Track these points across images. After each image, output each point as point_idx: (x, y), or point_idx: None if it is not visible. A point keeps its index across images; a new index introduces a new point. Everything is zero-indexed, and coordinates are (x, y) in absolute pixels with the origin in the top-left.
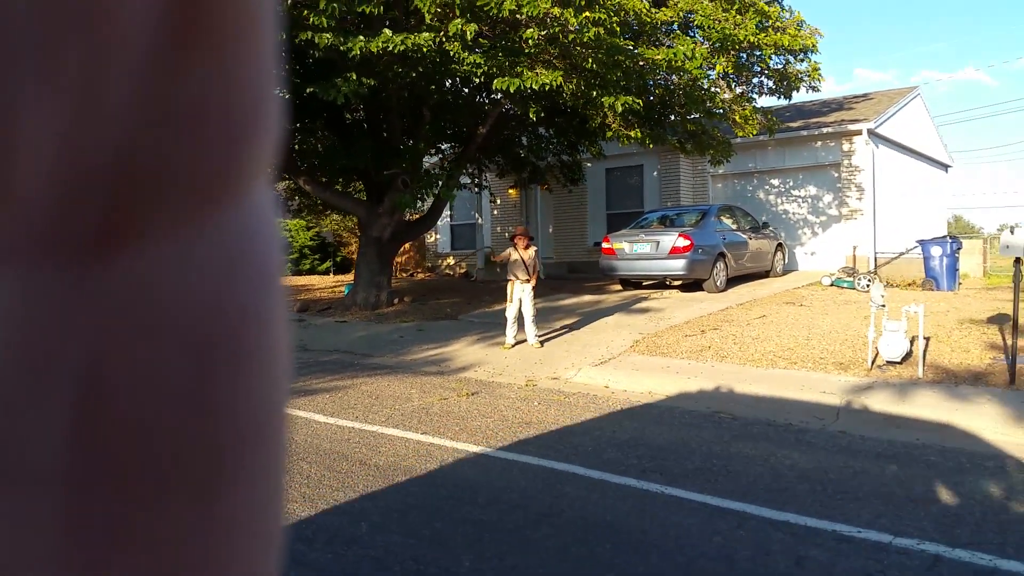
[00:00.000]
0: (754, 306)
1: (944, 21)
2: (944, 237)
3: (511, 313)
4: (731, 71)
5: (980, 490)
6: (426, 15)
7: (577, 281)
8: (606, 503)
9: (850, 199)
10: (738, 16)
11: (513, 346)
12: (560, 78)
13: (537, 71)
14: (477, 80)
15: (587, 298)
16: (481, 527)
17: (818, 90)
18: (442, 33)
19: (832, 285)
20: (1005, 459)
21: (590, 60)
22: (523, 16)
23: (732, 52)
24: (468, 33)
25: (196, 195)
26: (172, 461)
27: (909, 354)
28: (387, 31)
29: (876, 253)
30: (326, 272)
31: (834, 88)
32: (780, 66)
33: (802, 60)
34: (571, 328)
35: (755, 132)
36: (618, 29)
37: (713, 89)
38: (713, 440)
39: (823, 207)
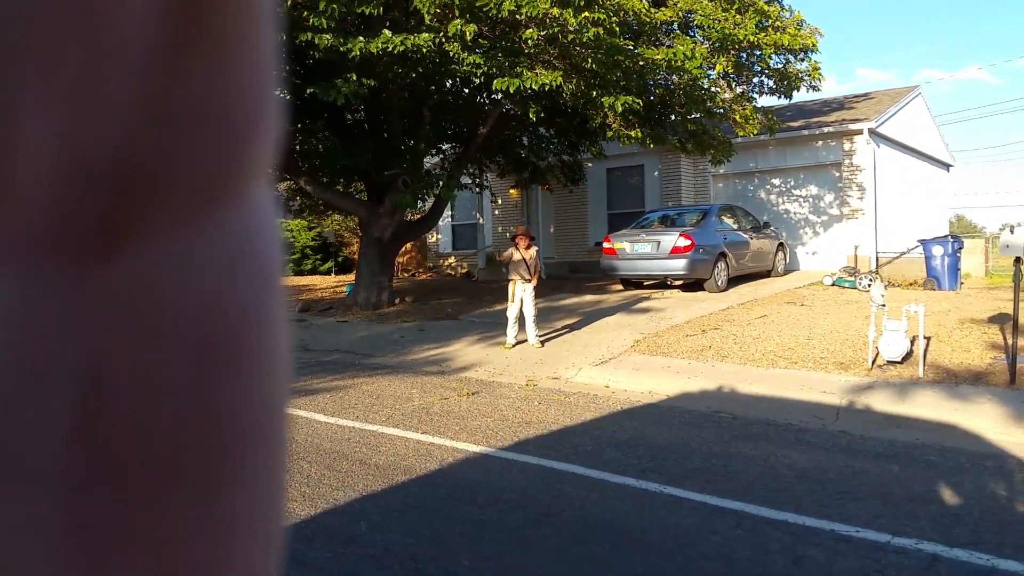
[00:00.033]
0: (755, 306)
1: (946, 20)
2: (946, 237)
3: (512, 313)
4: (731, 71)
5: (979, 490)
6: (426, 16)
7: (578, 281)
8: (605, 503)
9: (851, 199)
10: (738, 16)
11: (514, 346)
12: (560, 78)
13: (537, 71)
14: (477, 80)
15: (588, 298)
16: (480, 526)
17: (818, 89)
18: (442, 34)
19: (833, 285)
20: (1005, 459)
21: (590, 60)
22: (522, 16)
23: (732, 52)
24: (468, 34)
25: (196, 195)
26: (172, 461)
27: (909, 354)
28: (387, 32)
29: (878, 253)
30: (328, 272)
31: (836, 88)
32: (780, 66)
33: (802, 59)
34: (572, 328)
35: (756, 132)
36: (617, 29)
37: (713, 89)
38: (713, 440)
39: (824, 207)
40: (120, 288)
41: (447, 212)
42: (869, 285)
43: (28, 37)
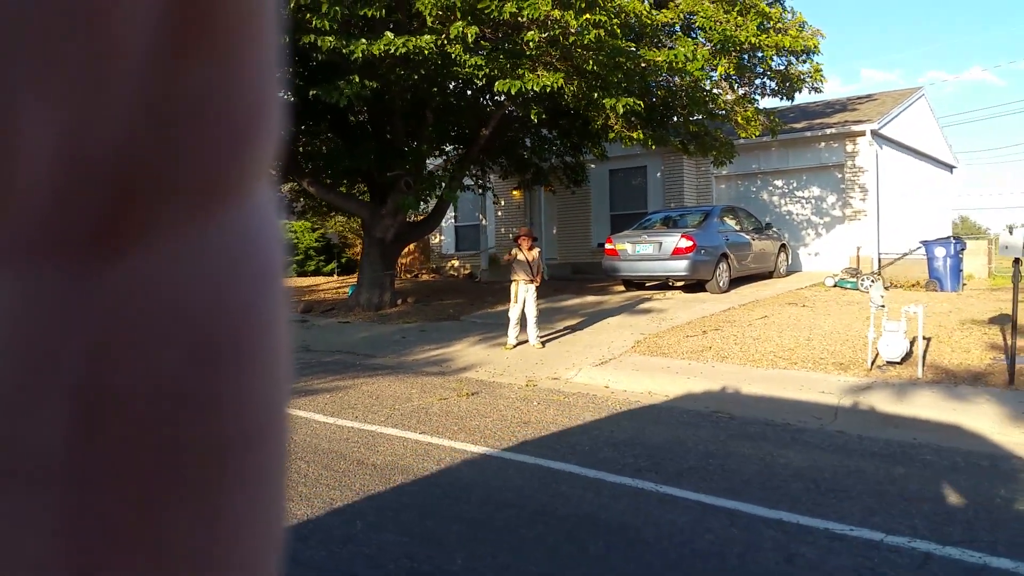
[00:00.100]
0: (756, 307)
1: (951, 21)
2: (948, 238)
3: (514, 313)
4: (733, 72)
5: (974, 489)
6: (427, 18)
7: (580, 282)
8: (601, 502)
9: (854, 200)
10: (739, 17)
11: (515, 346)
12: (561, 80)
13: (538, 73)
14: (479, 82)
15: (590, 299)
16: (475, 525)
17: (820, 91)
18: (443, 36)
19: (835, 286)
20: (1001, 458)
21: (591, 62)
22: (524, 18)
23: (734, 53)
24: (469, 35)
25: (197, 195)
26: (173, 461)
27: (909, 354)
28: (389, 34)
29: (880, 254)
30: (331, 274)
31: (841, 89)
32: (782, 67)
33: (804, 61)
34: (573, 329)
35: (757, 133)
36: (619, 31)
37: (715, 90)
38: (710, 439)
39: (827, 208)
40: (121, 288)
41: (450, 213)
42: (870, 286)
43: (28, 37)
